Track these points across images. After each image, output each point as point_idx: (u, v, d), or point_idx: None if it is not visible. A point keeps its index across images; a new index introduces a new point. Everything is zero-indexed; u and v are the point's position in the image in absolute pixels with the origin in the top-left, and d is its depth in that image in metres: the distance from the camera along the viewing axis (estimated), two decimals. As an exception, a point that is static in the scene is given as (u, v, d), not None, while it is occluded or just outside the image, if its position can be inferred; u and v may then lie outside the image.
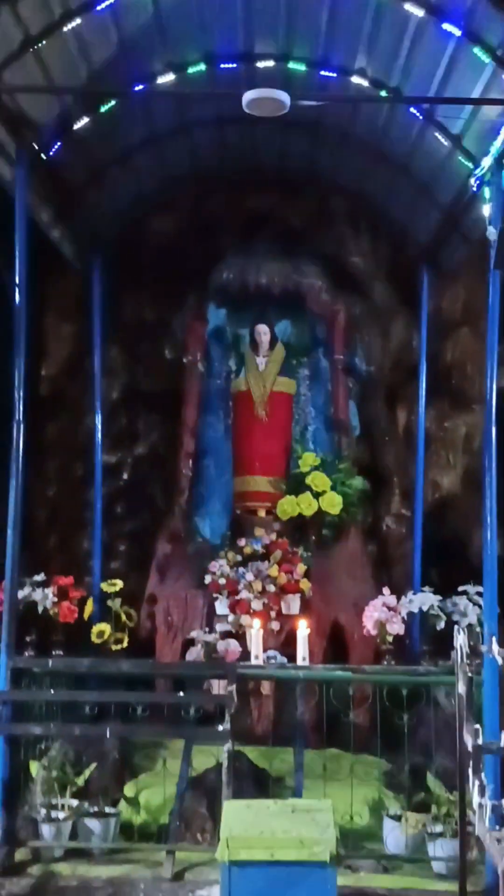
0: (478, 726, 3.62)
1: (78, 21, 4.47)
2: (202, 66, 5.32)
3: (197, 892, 4.25)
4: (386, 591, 5.74)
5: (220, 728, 4.45)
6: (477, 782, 3.36)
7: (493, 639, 3.93)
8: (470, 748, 3.51)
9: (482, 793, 3.29)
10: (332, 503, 6.77)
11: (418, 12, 4.48)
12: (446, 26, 4.45)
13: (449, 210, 6.25)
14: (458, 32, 4.44)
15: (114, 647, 6.03)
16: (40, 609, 5.48)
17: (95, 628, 6.06)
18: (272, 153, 6.91)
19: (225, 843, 3.61)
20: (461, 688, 3.78)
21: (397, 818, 4.65)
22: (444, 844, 4.43)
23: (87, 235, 6.65)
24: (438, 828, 4.52)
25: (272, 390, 7.20)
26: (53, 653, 5.50)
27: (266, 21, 5.05)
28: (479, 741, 3.49)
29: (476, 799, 3.33)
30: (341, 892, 3.72)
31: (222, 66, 5.38)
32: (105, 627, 6.04)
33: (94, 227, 6.68)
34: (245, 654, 5.64)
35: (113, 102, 5.38)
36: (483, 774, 3.47)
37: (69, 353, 7.67)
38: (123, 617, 6.16)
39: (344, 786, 4.81)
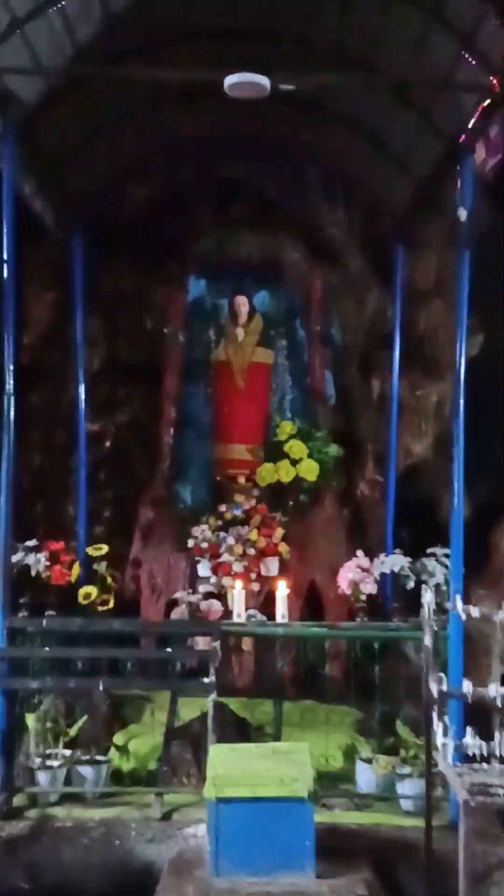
0: (443, 675, 3.96)
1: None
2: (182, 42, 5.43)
3: (185, 830, 4.52)
4: (360, 553, 6.06)
5: (206, 680, 4.75)
6: (441, 725, 3.70)
7: (458, 597, 4.24)
8: (435, 694, 3.84)
9: (446, 733, 3.63)
10: (309, 470, 7.05)
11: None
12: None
13: (423, 184, 6.42)
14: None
15: (100, 609, 6.22)
16: (33, 573, 5.72)
17: (82, 591, 6.25)
18: (247, 121, 7.01)
19: (212, 782, 3.94)
20: (428, 641, 4.11)
21: (368, 761, 4.98)
22: (412, 784, 4.77)
23: (67, 206, 6.73)
24: (406, 769, 4.85)
25: (251, 360, 7.40)
26: (46, 613, 5.75)
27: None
28: (444, 688, 3.83)
29: (440, 739, 3.67)
30: (318, 828, 4.01)
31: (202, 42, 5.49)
32: (91, 590, 6.23)
33: (74, 197, 6.78)
34: (227, 614, 5.95)
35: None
36: (447, 718, 3.82)
37: (49, 322, 7.70)
38: (109, 580, 6.37)
39: (319, 733, 5.14)
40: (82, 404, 7.13)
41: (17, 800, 4.84)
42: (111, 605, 6.27)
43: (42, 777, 4.88)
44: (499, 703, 3.60)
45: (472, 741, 3.51)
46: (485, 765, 3.54)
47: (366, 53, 5.37)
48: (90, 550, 6.45)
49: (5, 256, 4.94)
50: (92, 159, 6.54)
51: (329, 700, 5.37)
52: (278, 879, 3.81)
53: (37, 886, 4.46)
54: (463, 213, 5.05)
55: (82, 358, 7.16)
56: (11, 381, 4.97)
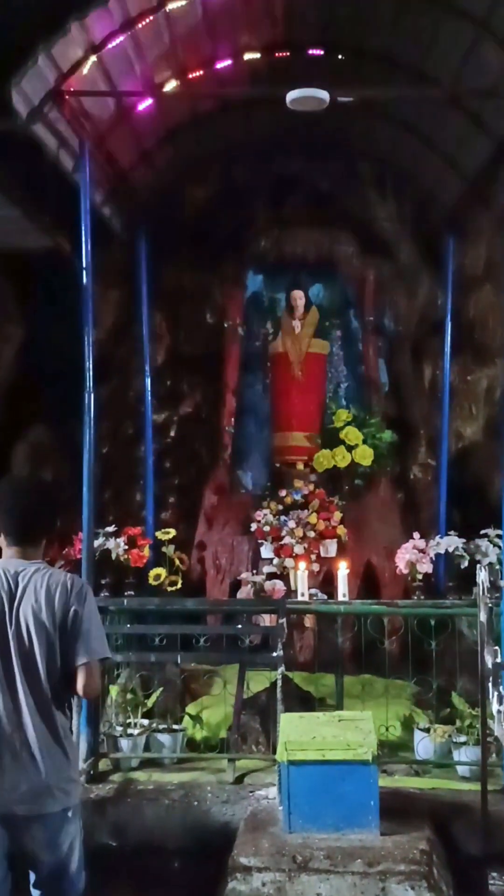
0: (497, 648, 4.25)
1: (136, 27, 4.91)
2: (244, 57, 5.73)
3: (256, 793, 4.79)
4: (416, 535, 6.35)
5: (274, 654, 5.12)
6: (496, 693, 4.01)
7: (511, 574, 4.52)
8: (490, 666, 4.15)
9: (500, 701, 3.94)
10: (364, 455, 7.34)
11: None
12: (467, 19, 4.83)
13: (473, 179, 6.59)
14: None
15: (169, 589, 6.57)
16: (113, 556, 6.14)
17: (152, 572, 6.59)
18: (299, 119, 7.25)
19: (283, 747, 4.24)
20: (483, 616, 4.39)
21: (426, 730, 5.23)
22: (468, 751, 5.01)
23: (132, 210, 7.10)
24: (462, 738, 5.08)
25: (307, 351, 7.68)
26: (126, 593, 6.17)
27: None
28: (498, 659, 4.13)
29: (495, 706, 3.98)
30: (380, 791, 4.20)
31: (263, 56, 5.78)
32: (161, 571, 6.58)
33: (138, 201, 7.14)
34: (289, 593, 6.31)
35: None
36: (501, 687, 4.11)
37: (116, 319, 8.09)
38: (177, 562, 6.72)
39: (379, 704, 5.38)
40: (148, 396, 7.47)
41: (102, 765, 5.18)
42: (179, 585, 6.59)
43: (124, 744, 5.22)
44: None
45: (524, 708, 3.80)
46: (537, 730, 3.84)
47: (417, 62, 5.59)
48: (159, 534, 6.75)
49: (84, 264, 5.31)
50: (154, 165, 6.87)
51: (387, 674, 5.61)
52: (346, 835, 4.09)
53: (122, 843, 4.73)
54: (513, 206, 5.24)
55: (147, 352, 7.50)
56: (91, 379, 5.36)
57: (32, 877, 3.04)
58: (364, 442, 7.39)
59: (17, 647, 2.93)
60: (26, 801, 2.89)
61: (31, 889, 3.07)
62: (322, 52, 5.71)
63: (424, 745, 5.22)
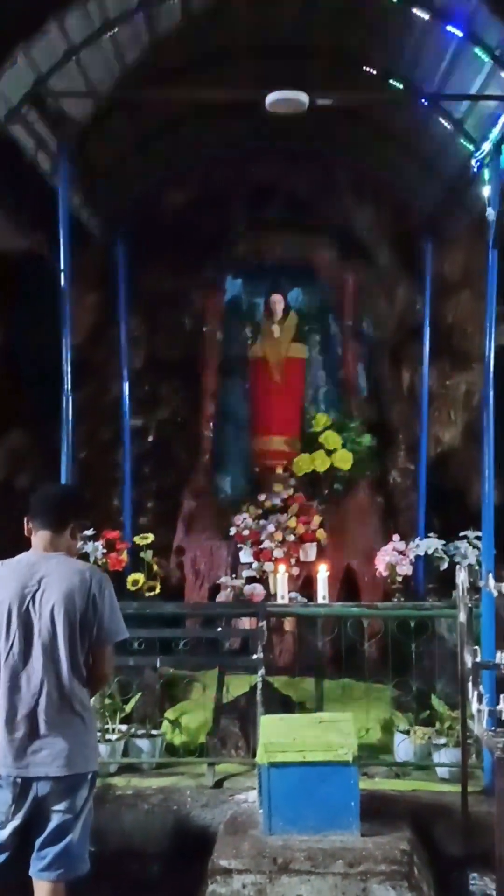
0: (476, 648, 4.27)
1: (116, 29, 4.91)
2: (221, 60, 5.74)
3: (236, 796, 4.78)
4: (396, 537, 6.37)
5: (254, 657, 5.11)
6: (476, 692, 4.01)
7: (490, 575, 4.53)
8: (470, 666, 4.16)
9: (480, 700, 3.94)
10: (344, 459, 7.37)
11: (424, 15, 4.92)
12: (450, 28, 4.90)
13: (451, 186, 6.65)
14: (459, 34, 4.89)
15: (147, 594, 6.51)
16: (91, 560, 6.08)
17: (130, 577, 6.53)
18: (278, 124, 7.28)
19: (263, 749, 4.23)
20: (462, 617, 4.40)
21: (406, 732, 5.26)
22: (447, 753, 5.04)
23: (110, 213, 7.08)
24: (442, 740, 5.11)
25: (286, 356, 7.70)
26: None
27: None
28: (478, 659, 4.14)
29: (475, 706, 3.98)
30: (361, 794, 4.21)
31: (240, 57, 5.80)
32: (139, 577, 6.51)
33: (116, 205, 7.11)
34: (268, 597, 6.30)
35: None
36: (481, 687, 4.13)
37: (94, 323, 8.06)
38: (155, 567, 6.66)
39: (359, 708, 5.40)
40: (126, 400, 7.44)
41: (81, 770, 5.21)
42: (157, 590, 6.53)
43: (102, 749, 5.12)
44: (530, 673, 3.90)
45: (504, 707, 3.81)
46: (517, 729, 3.85)
47: (396, 66, 5.64)
48: (137, 539, 6.69)
49: (62, 266, 5.29)
50: (133, 169, 6.86)
51: (367, 677, 5.63)
52: (327, 837, 4.07)
53: (102, 849, 4.69)
54: (491, 214, 5.29)
55: (126, 356, 7.48)
56: (69, 380, 5.32)
57: (37, 844, 3.23)
58: (343, 446, 7.42)
59: (39, 634, 3.22)
60: (46, 764, 3.19)
61: (33, 856, 3.24)
62: (302, 57, 5.71)
63: (404, 748, 5.24)
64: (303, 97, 4.74)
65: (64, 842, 3.23)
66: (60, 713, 3.23)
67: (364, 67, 5.77)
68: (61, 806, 3.22)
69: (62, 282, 5.32)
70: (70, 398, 5.31)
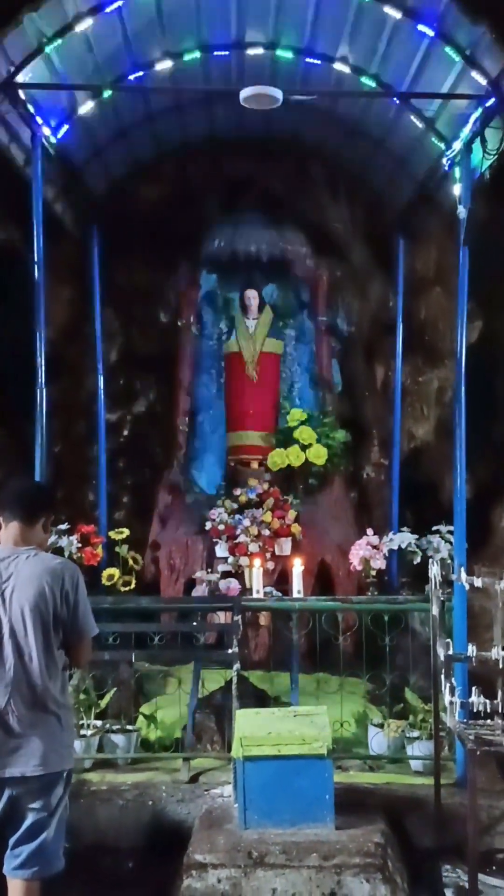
0: (449, 641, 4.30)
1: (89, 22, 4.88)
2: (197, 55, 5.72)
3: (211, 791, 4.77)
4: (370, 531, 6.42)
5: (230, 651, 5.11)
6: (448, 685, 4.04)
7: (462, 569, 4.57)
8: (442, 658, 4.20)
9: (452, 692, 3.98)
10: (318, 455, 7.40)
11: (396, 14, 4.95)
12: (421, 27, 4.93)
13: (422, 183, 6.71)
14: (431, 33, 4.92)
15: (122, 589, 6.53)
16: (66, 554, 6.06)
17: (105, 572, 6.55)
18: (254, 121, 7.30)
19: (239, 742, 4.23)
20: (435, 610, 4.44)
21: (380, 725, 5.28)
22: (421, 746, 5.07)
23: (84, 207, 7.06)
24: (415, 733, 5.14)
25: (261, 351, 7.71)
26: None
27: (257, 13, 5.47)
28: (450, 652, 4.18)
29: (448, 699, 4.02)
30: (335, 787, 4.22)
31: (216, 53, 5.79)
32: (114, 571, 6.54)
33: (91, 198, 7.09)
34: (244, 591, 6.32)
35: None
36: (453, 679, 4.17)
37: (68, 317, 8.02)
38: (131, 562, 6.68)
39: (333, 702, 5.40)
40: (101, 395, 7.42)
41: (55, 766, 5.19)
42: (133, 585, 6.55)
43: (77, 744, 5.08)
44: (501, 665, 3.95)
45: (476, 699, 3.86)
46: (489, 721, 3.91)
47: (369, 64, 5.66)
48: (112, 534, 6.71)
49: (36, 259, 5.25)
50: (108, 162, 6.83)
51: (342, 672, 5.66)
52: (302, 830, 4.09)
53: (75, 844, 4.71)
54: (462, 212, 5.33)
55: (100, 351, 7.46)
56: (42, 374, 5.30)
57: (11, 842, 3.22)
58: (318, 441, 7.46)
59: (11, 631, 3.18)
60: (21, 763, 3.17)
61: (7, 854, 3.23)
62: (274, 52, 5.71)
63: (378, 741, 5.28)
64: (276, 93, 4.74)
65: (38, 840, 3.21)
66: (34, 711, 3.20)
67: (336, 65, 5.75)
68: (36, 804, 3.21)
69: (36, 275, 5.27)
70: (44, 393, 5.28)
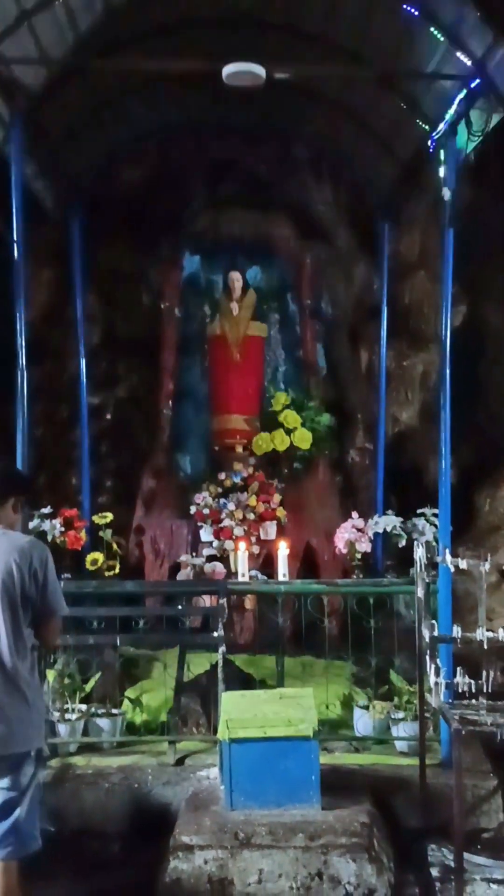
0: (433, 622, 4.33)
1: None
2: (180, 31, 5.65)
3: (197, 773, 4.81)
4: (355, 514, 6.42)
5: (215, 634, 5.10)
6: (433, 666, 4.07)
7: (447, 551, 4.59)
8: (427, 640, 4.21)
9: (437, 673, 4.00)
10: (303, 439, 7.39)
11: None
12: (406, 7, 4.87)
13: (407, 166, 6.66)
14: (415, 12, 4.86)
15: (107, 574, 6.48)
16: (49, 538, 6.01)
17: (89, 557, 6.49)
18: (235, 101, 7.21)
19: (225, 725, 4.25)
20: (420, 592, 4.46)
21: (365, 707, 5.32)
22: (406, 727, 5.11)
23: (66, 187, 6.94)
24: (400, 714, 5.18)
25: (245, 334, 7.64)
26: (62, 576, 6.04)
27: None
28: (435, 633, 4.20)
29: (433, 679, 4.04)
30: (321, 768, 4.27)
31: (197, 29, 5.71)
32: (98, 556, 6.49)
33: (72, 178, 6.99)
34: (229, 574, 6.31)
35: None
36: (438, 660, 4.19)
37: (49, 300, 7.93)
38: (115, 546, 6.63)
39: (319, 684, 5.43)
40: (83, 379, 7.34)
41: (41, 750, 5.17)
42: (117, 570, 6.49)
43: (62, 729, 5.17)
44: (485, 646, 3.97)
45: (461, 679, 3.88)
46: (473, 701, 3.93)
47: (353, 43, 5.59)
48: (96, 518, 6.65)
49: (15, 238, 5.17)
50: (90, 142, 6.73)
51: (327, 655, 5.68)
52: (288, 811, 4.13)
53: (62, 828, 4.68)
54: (447, 194, 5.29)
55: (82, 334, 7.37)
56: (23, 357, 5.23)
57: None
58: (302, 425, 7.44)
59: None
60: None
61: None
62: (258, 30, 5.63)
63: (364, 722, 5.31)
64: (259, 70, 4.68)
65: (11, 818, 3.24)
66: (2, 691, 3.20)
67: (321, 43, 5.68)
68: (4, 783, 3.24)
69: (16, 256, 5.19)
70: (25, 376, 5.21)
